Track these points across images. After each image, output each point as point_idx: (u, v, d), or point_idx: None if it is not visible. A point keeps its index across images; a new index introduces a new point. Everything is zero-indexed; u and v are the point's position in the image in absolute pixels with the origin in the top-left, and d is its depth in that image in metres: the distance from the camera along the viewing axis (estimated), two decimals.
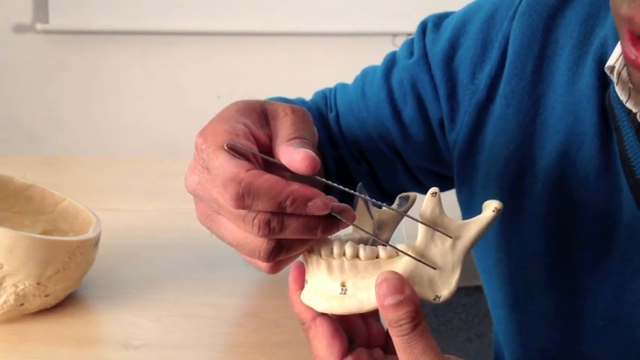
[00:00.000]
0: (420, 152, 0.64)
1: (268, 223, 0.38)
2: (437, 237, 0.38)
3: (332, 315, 0.41)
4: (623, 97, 0.47)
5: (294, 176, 0.40)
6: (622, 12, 0.39)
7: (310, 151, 0.39)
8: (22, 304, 0.57)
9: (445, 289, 0.39)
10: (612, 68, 0.47)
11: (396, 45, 2.02)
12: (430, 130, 0.62)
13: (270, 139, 0.42)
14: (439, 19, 0.63)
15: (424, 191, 0.69)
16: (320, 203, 0.38)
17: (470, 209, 0.62)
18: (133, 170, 1.08)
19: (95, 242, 0.62)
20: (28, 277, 0.56)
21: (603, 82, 0.50)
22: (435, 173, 0.65)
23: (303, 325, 0.42)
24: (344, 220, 0.39)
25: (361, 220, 0.44)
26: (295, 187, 0.38)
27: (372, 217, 0.44)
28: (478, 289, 0.67)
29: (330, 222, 0.39)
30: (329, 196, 0.39)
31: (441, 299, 0.39)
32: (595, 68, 0.51)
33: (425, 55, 0.61)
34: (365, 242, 0.43)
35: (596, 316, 0.53)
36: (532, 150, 0.55)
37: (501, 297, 0.60)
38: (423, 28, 0.63)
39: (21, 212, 0.69)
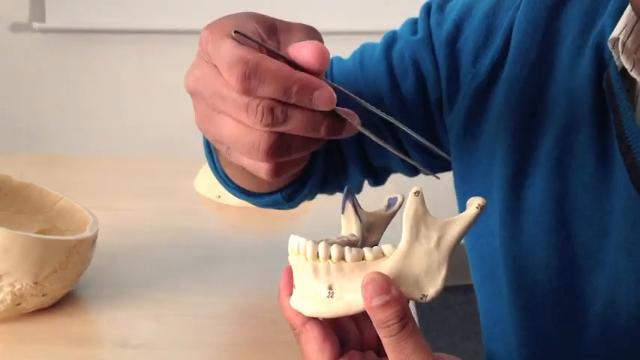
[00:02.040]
0: (415, 128, 0.64)
1: (272, 110, 0.37)
2: (422, 236, 0.38)
3: (322, 319, 0.41)
4: (628, 66, 0.48)
5: None
6: None
7: (320, 44, 0.38)
8: (19, 304, 0.57)
9: (431, 287, 0.38)
10: (616, 41, 0.48)
11: None
12: (428, 108, 0.62)
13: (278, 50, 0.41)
14: (443, 1, 0.63)
15: (413, 172, 0.69)
16: (326, 94, 0.37)
17: (464, 192, 0.62)
18: (130, 169, 1.08)
19: (92, 241, 0.62)
20: (25, 277, 0.56)
21: (601, 68, 0.52)
22: (428, 151, 0.65)
23: (294, 330, 0.42)
24: (349, 121, 0.39)
25: (350, 222, 0.44)
26: (303, 74, 0.37)
27: (360, 219, 0.44)
28: None
29: (335, 122, 0.39)
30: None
31: (428, 298, 0.39)
32: (593, 55, 0.52)
33: (429, 34, 0.62)
34: (353, 244, 0.43)
35: (596, 299, 0.53)
36: (534, 137, 0.55)
37: (503, 285, 0.60)
38: (427, 8, 0.64)
39: (18, 211, 0.69)
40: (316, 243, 0.39)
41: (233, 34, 0.38)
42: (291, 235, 0.41)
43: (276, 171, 0.42)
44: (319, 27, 0.42)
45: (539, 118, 0.55)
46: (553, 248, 0.55)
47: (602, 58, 0.51)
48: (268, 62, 0.37)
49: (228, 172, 0.62)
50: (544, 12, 0.56)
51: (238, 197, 0.65)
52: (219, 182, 0.64)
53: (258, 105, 0.37)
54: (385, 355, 0.40)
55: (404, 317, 0.37)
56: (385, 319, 0.37)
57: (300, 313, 0.41)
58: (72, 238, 0.59)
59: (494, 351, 0.66)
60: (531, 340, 0.59)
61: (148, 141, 2.14)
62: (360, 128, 0.41)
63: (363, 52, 0.67)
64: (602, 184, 0.52)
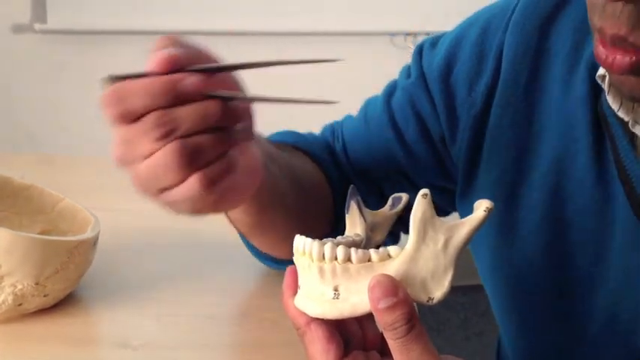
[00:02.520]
0: (427, 170, 0.64)
1: (157, 120, 0.39)
2: (429, 239, 0.38)
3: (326, 319, 0.41)
4: (614, 106, 0.47)
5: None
6: (594, 22, 0.42)
7: (166, 51, 0.41)
8: (20, 304, 0.57)
9: (438, 290, 0.38)
10: (604, 77, 0.47)
11: (394, 44, 2.02)
12: (434, 147, 0.62)
13: None
14: (435, 40, 0.63)
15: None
16: (190, 79, 0.39)
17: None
18: None
19: (94, 242, 0.62)
20: (27, 277, 0.56)
21: (596, 90, 0.51)
22: (445, 189, 0.65)
23: (298, 330, 0.42)
24: (235, 96, 0.41)
25: (354, 222, 0.44)
26: (163, 76, 0.40)
27: (364, 219, 0.44)
28: (476, 288, 0.67)
29: (222, 104, 0.41)
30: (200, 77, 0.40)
31: (435, 301, 0.38)
32: (587, 76, 0.51)
33: (422, 74, 0.62)
34: (357, 244, 0.43)
35: (593, 321, 0.53)
36: (528, 159, 0.55)
37: (501, 301, 0.60)
38: (420, 50, 0.64)
39: (19, 212, 0.69)
40: (322, 244, 0.39)
41: (109, 79, 0.41)
42: (297, 236, 0.41)
43: (208, 182, 0.42)
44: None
45: (533, 140, 0.54)
46: (547, 271, 0.55)
47: (596, 80, 0.50)
48: (131, 82, 0.40)
49: (256, 244, 0.64)
50: (533, 32, 0.55)
51: (276, 268, 0.67)
52: (259, 260, 0.67)
53: (144, 124, 0.39)
54: (388, 355, 0.39)
55: (411, 319, 0.37)
56: (392, 321, 0.37)
57: (304, 313, 0.41)
58: (73, 238, 0.59)
59: (503, 355, 0.67)
60: (527, 355, 0.59)
61: None
62: (246, 96, 0.42)
63: (367, 106, 0.68)
64: (601, 208, 0.51)
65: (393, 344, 0.37)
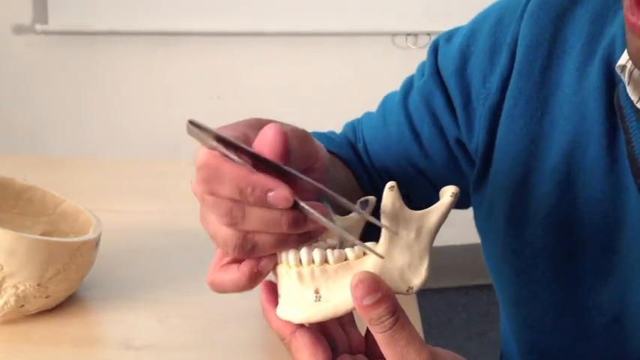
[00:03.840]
0: (442, 171, 0.64)
1: (231, 210, 0.39)
2: (401, 229, 0.39)
3: (309, 324, 0.41)
4: (634, 97, 0.47)
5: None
6: None
7: (274, 130, 0.40)
8: (22, 306, 0.57)
9: (416, 278, 0.39)
10: (623, 67, 0.47)
11: (395, 45, 2.02)
12: (448, 148, 0.63)
13: None
14: (449, 35, 0.63)
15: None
16: (281, 194, 0.38)
17: (481, 211, 0.62)
18: (133, 171, 1.08)
19: (95, 243, 0.62)
20: (29, 279, 0.56)
21: (610, 81, 0.50)
22: (463, 192, 0.66)
23: (284, 340, 0.42)
24: (312, 215, 0.39)
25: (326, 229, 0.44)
26: (258, 176, 0.38)
27: (335, 225, 0.44)
28: (478, 288, 0.67)
29: (296, 216, 0.39)
30: (291, 191, 0.39)
31: (414, 289, 0.39)
32: (602, 68, 0.51)
33: (436, 71, 0.62)
34: (332, 249, 0.43)
35: (599, 315, 0.53)
36: (539, 149, 0.55)
37: (508, 295, 0.61)
38: (435, 47, 0.64)
39: (21, 213, 0.70)
40: (298, 250, 0.40)
41: (187, 123, 0.40)
42: None
43: (251, 279, 0.43)
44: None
45: (545, 130, 0.54)
46: (556, 262, 0.55)
47: (611, 71, 0.50)
48: (227, 167, 0.39)
49: None
50: (548, 22, 0.54)
51: None
52: None
53: (219, 205, 0.40)
54: (375, 357, 0.40)
55: (396, 311, 0.38)
56: (378, 316, 0.38)
57: (288, 323, 0.41)
58: (75, 240, 0.59)
59: (507, 352, 0.67)
60: (533, 349, 0.59)
61: (151, 143, 2.14)
62: (323, 220, 0.39)
63: (384, 104, 0.68)
64: (610, 200, 0.51)
65: (380, 337, 0.38)
